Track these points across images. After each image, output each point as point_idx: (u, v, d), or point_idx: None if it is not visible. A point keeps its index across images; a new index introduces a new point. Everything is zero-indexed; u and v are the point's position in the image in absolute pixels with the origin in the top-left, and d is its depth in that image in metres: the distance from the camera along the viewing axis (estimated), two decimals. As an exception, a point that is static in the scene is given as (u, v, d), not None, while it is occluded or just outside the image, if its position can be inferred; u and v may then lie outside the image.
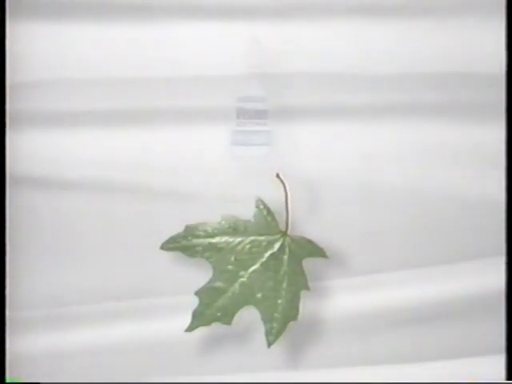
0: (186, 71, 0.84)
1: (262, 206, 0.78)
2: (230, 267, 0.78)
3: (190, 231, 0.78)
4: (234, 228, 0.78)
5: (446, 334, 0.86)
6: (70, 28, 0.84)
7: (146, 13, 0.84)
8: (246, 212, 0.79)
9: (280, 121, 0.84)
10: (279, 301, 0.77)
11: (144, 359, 0.85)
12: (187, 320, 0.77)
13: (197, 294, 0.77)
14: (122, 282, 0.84)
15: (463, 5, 0.84)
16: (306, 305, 0.79)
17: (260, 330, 0.77)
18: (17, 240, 0.84)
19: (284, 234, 0.78)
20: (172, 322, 0.83)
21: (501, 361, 0.83)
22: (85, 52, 0.84)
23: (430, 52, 0.85)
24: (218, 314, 0.77)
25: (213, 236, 0.78)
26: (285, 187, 0.79)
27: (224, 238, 0.78)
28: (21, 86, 0.83)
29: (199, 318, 0.77)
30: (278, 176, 0.80)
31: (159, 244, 0.78)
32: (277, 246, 0.78)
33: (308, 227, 0.82)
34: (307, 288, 0.77)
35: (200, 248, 0.78)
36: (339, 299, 0.85)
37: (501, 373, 0.83)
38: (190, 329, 0.78)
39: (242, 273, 0.78)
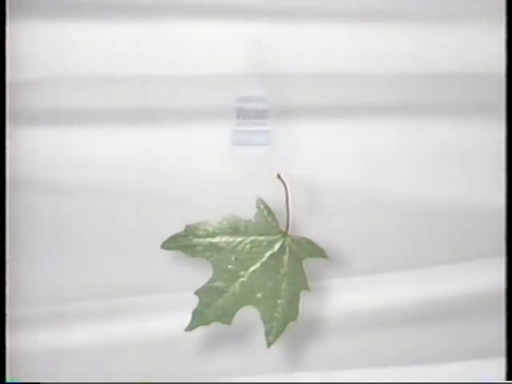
0: (186, 71, 0.84)
1: (262, 206, 0.78)
2: (230, 267, 0.78)
3: (191, 230, 0.78)
4: (235, 228, 0.78)
5: (446, 335, 0.86)
6: (69, 27, 0.84)
7: (146, 12, 0.84)
8: (246, 212, 0.79)
9: (280, 121, 0.84)
10: (279, 301, 0.77)
11: (144, 357, 0.84)
12: (187, 319, 0.77)
13: (197, 293, 0.78)
14: (122, 280, 0.84)
15: (463, 7, 0.84)
16: (306, 304, 0.79)
17: (260, 330, 0.77)
18: (17, 238, 0.84)
19: (284, 234, 0.78)
20: (172, 321, 0.83)
21: (501, 361, 0.83)
22: (84, 51, 0.84)
23: (430, 53, 0.85)
24: (218, 313, 0.77)
25: (213, 236, 0.78)
26: (286, 187, 0.79)
27: (224, 238, 0.78)
28: (21, 85, 0.83)
29: (199, 318, 0.78)
30: (279, 176, 0.80)
31: (159, 243, 0.78)
32: (277, 246, 0.78)
33: (308, 227, 0.82)
34: (307, 288, 0.77)
35: (200, 247, 0.78)
36: (339, 299, 0.84)
37: (501, 372, 0.83)
38: (190, 328, 0.78)
39: (242, 272, 0.78)
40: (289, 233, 0.79)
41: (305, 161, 0.84)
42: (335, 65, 0.85)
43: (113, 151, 0.84)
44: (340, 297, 0.84)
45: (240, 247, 0.78)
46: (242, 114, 0.83)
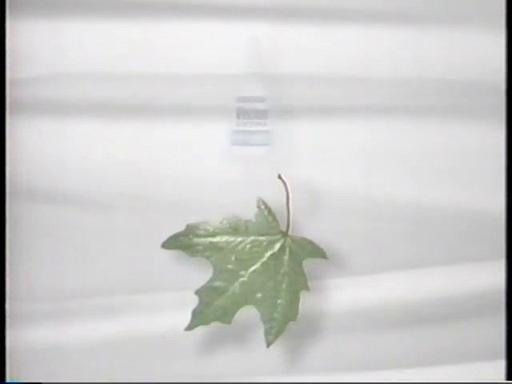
0: (186, 71, 0.84)
1: (263, 206, 0.78)
2: (230, 267, 0.78)
3: (191, 230, 0.78)
4: (235, 228, 0.78)
5: (445, 336, 0.86)
6: (69, 25, 0.83)
7: (146, 11, 0.84)
8: (246, 212, 0.79)
9: (280, 121, 0.84)
10: (279, 301, 0.77)
11: (143, 355, 0.85)
12: (187, 318, 0.77)
13: (197, 292, 0.77)
14: (122, 279, 0.84)
15: (463, 10, 0.85)
16: (306, 304, 0.79)
17: (259, 330, 0.78)
18: (17, 236, 0.84)
19: (285, 234, 0.79)
20: (172, 320, 0.83)
21: (501, 362, 0.84)
22: (84, 50, 0.84)
23: (431, 56, 0.85)
24: (218, 313, 0.77)
25: (214, 235, 0.78)
26: (286, 188, 0.79)
27: (225, 238, 0.78)
28: (20, 83, 0.83)
29: (199, 317, 0.77)
30: (279, 177, 0.80)
31: (159, 243, 0.78)
32: (277, 246, 0.78)
33: (307, 227, 0.82)
34: (307, 288, 0.77)
35: (201, 247, 0.78)
36: (339, 299, 0.85)
37: (500, 373, 0.84)
38: (190, 327, 0.78)
39: (242, 272, 0.78)
40: (289, 233, 0.79)
41: (305, 161, 0.84)
42: (335, 65, 0.85)
43: (113, 151, 0.84)
44: (340, 297, 0.85)
45: (240, 247, 0.78)
46: (242, 113, 0.83)
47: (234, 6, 0.84)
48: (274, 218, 0.78)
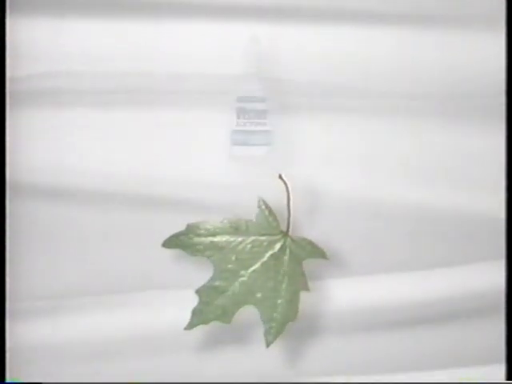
0: (186, 71, 0.84)
1: (263, 206, 0.78)
2: (230, 266, 0.78)
3: (192, 229, 0.78)
4: (236, 227, 0.78)
5: (445, 337, 0.86)
6: (69, 23, 0.83)
7: (146, 11, 0.84)
8: (246, 212, 0.79)
9: (280, 121, 0.84)
10: (279, 301, 0.77)
11: (143, 354, 0.85)
12: (187, 317, 0.78)
13: (197, 292, 0.77)
14: (123, 278, 0.84)
15: (463, 11, 0.85)
16: (305, 305, 0.79)
17: (259, 330, 0.78)
18: (17, 234, 0.84)
19: (285, 234, 0.79)
20: (171, 320, 0.83)
21: (501, 364, 0.84)
22: (84, 49, 0.84)
23: (431, 56, 0.85)
24: (218, 312, 0.77)
25: (214, 235, 0.78)
26: (287, 188, 0.79)
27: (225, 237, 0.78)
28: (20, 81, 0.83)
29: (199, 317, 0.77)
30: (280, 177, 0.80)
31: (159, 242, 0.78)
32: (277, 246, 0.78)
33: (307, 228, 0.82)
34: (307, 289, 0.77)
35: (201, 246, 0.78)
36: (338, 300, 0.85)
37: (501, 373, 0.84)
38: (190, 327, 0.78)
39: (242, 272, 0.78)
40: (289, 233, 0.79)
41: (305, 161, 0.84)
42: (335, 65, 0.85)
43: (113, 150, 0.84)
44: (340, 297, 0.85)
45: (241, 247, 0.78)
46: (242, 113, 0.83)
47: (234, 6, 0.84)
48: (275, 218, 0.78)
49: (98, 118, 0.84)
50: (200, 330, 0.80)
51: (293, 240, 0.78)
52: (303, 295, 0.78)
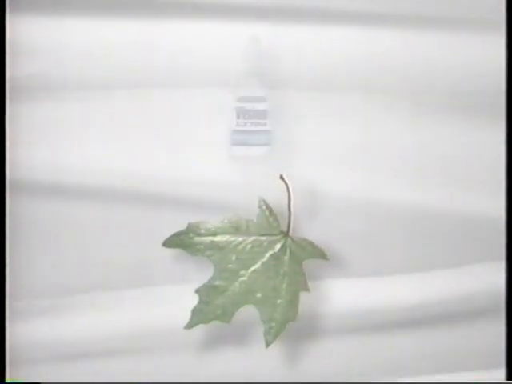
0: (186, 71, 0.84)
1: (264, 207, 0.78)
2: (230, 266, 0.78)
3: (192, 229, 0.78)
4: (236, 227, 0.78)
5: (445, 338, 0.86)
6: (69, 22, 0.83)
7: (145, 11, 0.84)
8: (246, 212, 0.79)
9: (280, 121, 0.84)
10: (279, 301, 0.77)
11: (142, 354, 0.85)
12: (187, 317, 0.78)
13: (197, 291, 0.78)
14: (122, 277, 0.84)
15: (464, 12, 0.85)
16: (305, 305, 0.79)
17: (259, 330, 0.78)
18: (17, 233, 0.83)
19: (285, 234, 0.79)
20: (171, 319, 0.83)
21: (501, 364, 0.84)
22: (83, 48, 0.83)
23: (430, 56, 0.85)
24: (218, 312, 0.77)
25: (215, 234, 0.78)
26: (288, 188, 0.79)
27: (226, 237, 0.78)
28: (20, 80, 0.83)
29: (199, 316, 0.78)
30: (281, 177, 0.80)
31: (160, 242, 0.78)
32: (278, 246, 0.79)
33: (306, 228, 0.82)
34: (307, 289, 0.77)
35: (202, 246, 0.78)
36: (338, 300, 0.85)
37: (501, 373, 0.84)
38: (190, 326, 0.78)
39: (242, 272, 0.78)
40: (289, 234, 0.79)
41: (305, 161, 0.84)
42: (335, 65, 0.85)
43: (114, 150, 0.84)
44: (340, 298, 0.85)
45: (241, 247, 0.78)
46: (242, 113, 0.83)
47: (234, 6, 0.84)
48: (275, 219, 0.78)
49: (98, 116, 0.84)
50: (200, 330, 0.80)
51: (293, 240, 0.79)
52: (303, 295, 0.78)
